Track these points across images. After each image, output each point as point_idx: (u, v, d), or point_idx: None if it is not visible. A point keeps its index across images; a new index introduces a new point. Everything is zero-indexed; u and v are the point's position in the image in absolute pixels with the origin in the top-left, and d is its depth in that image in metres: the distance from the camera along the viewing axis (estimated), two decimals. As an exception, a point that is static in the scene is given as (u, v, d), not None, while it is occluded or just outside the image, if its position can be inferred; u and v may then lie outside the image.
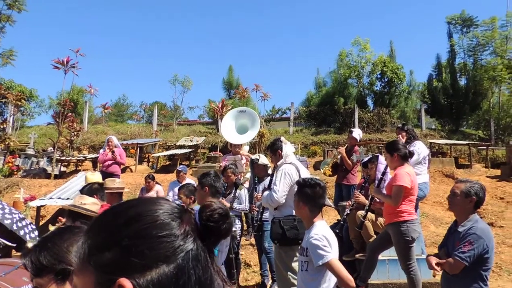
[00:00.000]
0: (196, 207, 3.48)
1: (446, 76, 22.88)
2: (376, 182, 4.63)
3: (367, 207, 4.53)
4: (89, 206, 3.03)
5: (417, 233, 3.91)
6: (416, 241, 4.01)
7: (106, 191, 4.62)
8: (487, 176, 12.41)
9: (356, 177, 6.66)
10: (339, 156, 6.69)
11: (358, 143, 6.74)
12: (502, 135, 19.66)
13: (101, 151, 8.38)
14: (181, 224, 0.69)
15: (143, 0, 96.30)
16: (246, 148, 7.40)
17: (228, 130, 7.24)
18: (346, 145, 6.92)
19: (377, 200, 4.47)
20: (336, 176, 6.82)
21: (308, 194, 2.67)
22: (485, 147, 15.90)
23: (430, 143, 16.44)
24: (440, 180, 11.56)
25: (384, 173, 4.51)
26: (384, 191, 4.14)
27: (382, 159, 5.00)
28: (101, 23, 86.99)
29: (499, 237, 7.01)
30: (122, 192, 5.09)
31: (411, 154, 4.08)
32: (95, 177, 5.24)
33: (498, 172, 12.60)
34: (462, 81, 22.96)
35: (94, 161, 14.75)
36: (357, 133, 6.70)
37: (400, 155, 3.94)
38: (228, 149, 16.82)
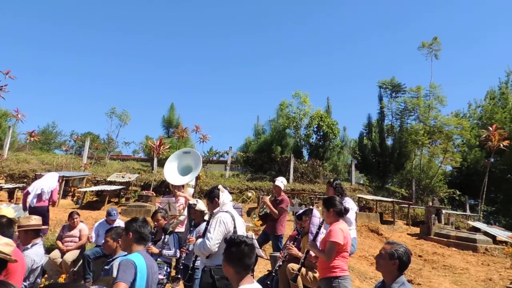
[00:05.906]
0: (120, 258, 3.18)
1: (375, 135, 24.56)
2: (311, 236, 4.68)
3: (302, 260, 4.53)
4: (0, 246, 2.70)
5: None
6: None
7: (19, 229, 4.20)
8: (408, 234, 13.18)
9: (284, 228, 6.70)
10: (264, 206, 6.74)
11: (292, 192, 6.87)
12: (422, 195, 21.21)
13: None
14: None
15: (88, 25, 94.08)
16: (190, 191, 7.14)
17: (171, 171, 7.03)
18: (271, 195, 7.01)
19: (312, 253, 4.49)
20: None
21: (233, 254, 2.38)
22: (407, 205, 16.99)
23: (359, 197, 17.32)
24: (366, 234, 12.02)
25: (320, 227, 4.58)
26: (319, 245, 4.19)
27: (316, 212, 5.10)
28: (38, 44, 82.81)
29: (418, 294, 7.34)
30: (39, 229, 4.66)
31: (346, 210, 4.16)
32: (9, 211, 4.75)
33: (417, 230, 13.46)
34: (389, 141, 24.73)
35: (11, 192, 13.51)
36: (280, 181, 6.76)
37: (336, 211, 4.01)
38: (163, 189, 16.34)
